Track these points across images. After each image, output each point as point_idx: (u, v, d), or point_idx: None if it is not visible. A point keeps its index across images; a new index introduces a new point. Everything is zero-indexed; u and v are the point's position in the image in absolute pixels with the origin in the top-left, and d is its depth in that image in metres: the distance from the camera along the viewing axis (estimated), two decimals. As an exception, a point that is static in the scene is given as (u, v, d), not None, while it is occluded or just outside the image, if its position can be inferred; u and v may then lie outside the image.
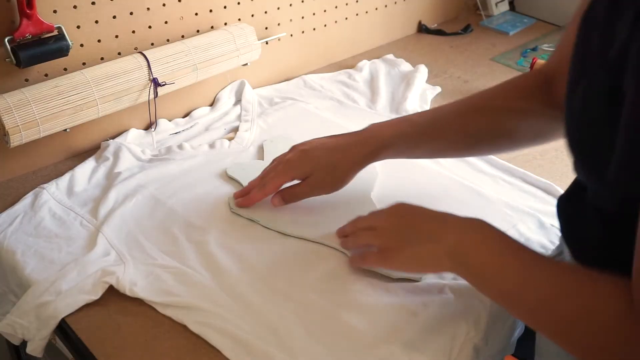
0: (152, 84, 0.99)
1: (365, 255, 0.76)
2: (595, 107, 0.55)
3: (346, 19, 1.33)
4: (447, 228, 0.68)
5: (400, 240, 0.71)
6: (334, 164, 0.84)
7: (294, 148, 0.88)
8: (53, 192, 0.91)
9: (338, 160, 0.84)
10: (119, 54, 1.01)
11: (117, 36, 1.00)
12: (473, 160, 1.01)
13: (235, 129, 1.09)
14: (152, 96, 1.00)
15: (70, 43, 0.92)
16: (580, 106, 0.57)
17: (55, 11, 0.91)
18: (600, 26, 0.56)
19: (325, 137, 0.88)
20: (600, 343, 0.55)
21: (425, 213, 0.71)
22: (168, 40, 1.06)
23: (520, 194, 0.95)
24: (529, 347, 0.76)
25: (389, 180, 0.95)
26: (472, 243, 0.65)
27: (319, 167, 0.84)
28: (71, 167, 0.97)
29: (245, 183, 0.92)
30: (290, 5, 1.22)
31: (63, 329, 0.73)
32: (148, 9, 1.02)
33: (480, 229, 0.66)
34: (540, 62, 1.23)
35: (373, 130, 0.85)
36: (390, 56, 1.35)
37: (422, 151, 0.86)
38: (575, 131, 0.59)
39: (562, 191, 0.83)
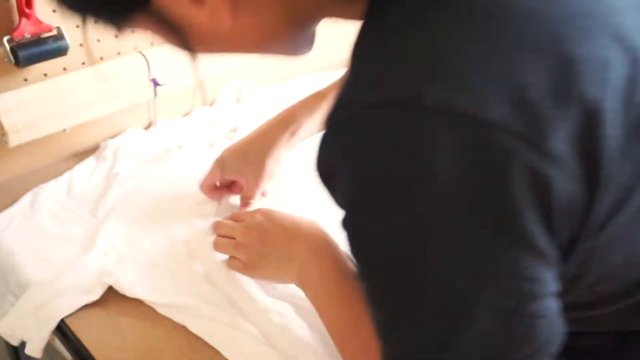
0: (152, 84, 0.98)
1: (231, 263, 0.77)
2: None
3: (346, 18, 1.32)
4: (296, 249, 0.71)
5: (256, 257, 0.74)
6: (245, 151, 0.86)
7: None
8: (52, 192, 0.91)
9: (250, 147, 0.86)
10: (119, 53, 1.01)
11: (116, 36, 0.99)
12: None
13: (235, 129, 1.08)
14: (151, 96, 1.00)
15: (69, 43, 0.91)
16: None
17: (54, 11, 0.91)
18: None
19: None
20: None
21: (280, 226, 0.74)
22: (168, 40, 1.06)
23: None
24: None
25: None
26: (310, 271, 0.69)
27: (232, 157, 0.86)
28: (70, 167, 0.97)
29: None
30: (290, 5, 1.21)
31: (62, 330, 0.73)
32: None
33: (319, 251, 0.70)
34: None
35: (288, 111, 0.87)
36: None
37: None
38: None
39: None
